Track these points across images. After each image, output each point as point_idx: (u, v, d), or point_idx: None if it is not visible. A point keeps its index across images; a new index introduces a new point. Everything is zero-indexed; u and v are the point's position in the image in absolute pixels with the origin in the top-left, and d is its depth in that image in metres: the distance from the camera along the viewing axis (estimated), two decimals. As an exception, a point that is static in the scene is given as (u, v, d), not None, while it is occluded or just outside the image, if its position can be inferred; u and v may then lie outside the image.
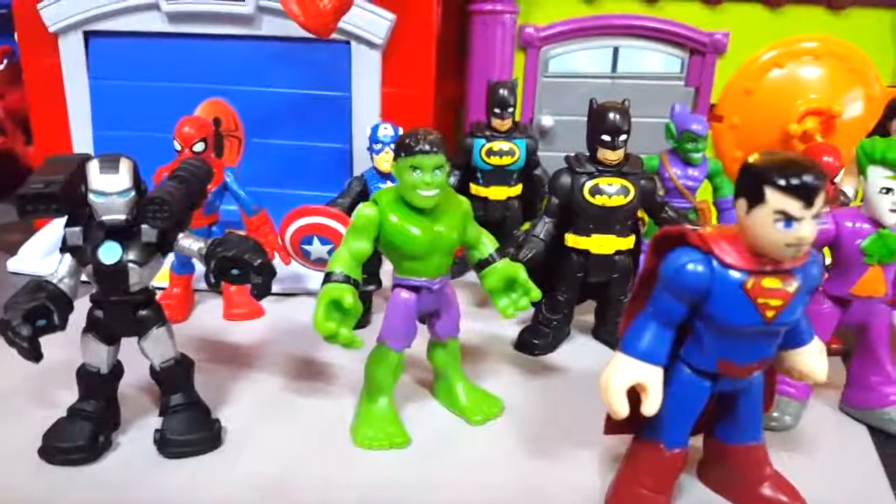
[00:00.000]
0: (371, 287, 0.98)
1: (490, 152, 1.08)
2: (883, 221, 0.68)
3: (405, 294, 0.70)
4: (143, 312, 0.67)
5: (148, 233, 0.64)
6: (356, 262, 0.68)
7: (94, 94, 1.24)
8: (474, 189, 1.12)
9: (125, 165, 0.63)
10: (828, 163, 0.87)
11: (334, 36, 1.14)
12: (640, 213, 1.13)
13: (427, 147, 0.65)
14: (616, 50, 1.26)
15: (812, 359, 0.59)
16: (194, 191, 0.68)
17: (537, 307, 0.94)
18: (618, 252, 0.86)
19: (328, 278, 0.67)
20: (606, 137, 0.81)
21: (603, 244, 0.85)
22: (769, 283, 0.51)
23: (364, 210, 0.68)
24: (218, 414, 0.74)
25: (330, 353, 0.86)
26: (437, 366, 0.77)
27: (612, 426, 0.62)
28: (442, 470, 0.67)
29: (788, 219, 0.48)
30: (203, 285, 1.05)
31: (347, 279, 0.66)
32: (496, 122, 1.08)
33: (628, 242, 0.86)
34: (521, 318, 0.96)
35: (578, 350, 0.92)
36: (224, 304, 0.99)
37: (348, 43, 1.16)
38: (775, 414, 0.75)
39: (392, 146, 0.94)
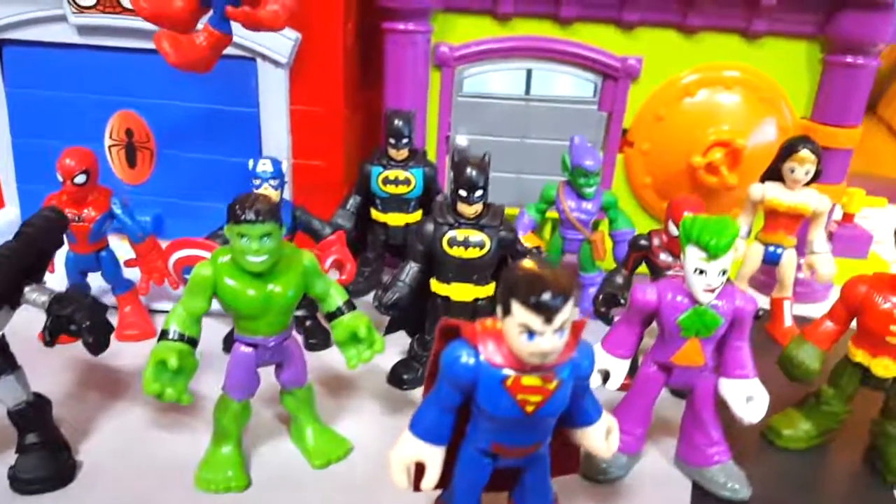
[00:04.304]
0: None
1: (386, 181, 1.10)
2: (698, 299, 0.70)
3: (244, 349, 0.74)
4: (-10, 360, 0.71)
5: (-12, 289, 0.67)
6: (192, 319, 0.71)
7: (11, 101, 1.25)
8: (374, 214, 1.14)
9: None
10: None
11: (239, 52, 1.15)
12: (539, 243, 1.17)
13: (252, 216, 0.67)
14: (529, 72, 1.26)
15: (597, 438, 0.62)
16: (40, 246, 0.71)
17: (410, 343, 0.97)
18: (477, 298, 0.89)
19: (163, 336, 0.70)
20: (463, 192, 0.83)
21: (462, 292, 0.88)
22: (528, 380, 0.55)
23: (200, 270, 0.71)
24: (78, 447, 0.79)
25: (205, 385, 0.89)
26: (288, 410, 0.81)
27: (419, 485, 0.66)
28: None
29: (531, 332, 0.51)
30: (103, 300, 1.10)
31: (182, 337, 0.70)
32: (392, 152, 1.09)
33: (487, 290, 0.88)
34: (401, 349, 1.00)
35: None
36: (118, 325, 1.03)
37: (254, 60, 1.17)
38: (603, 466, 0.79)
39: (271, 182, 0.96)
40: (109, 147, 1.26)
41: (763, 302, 1.20)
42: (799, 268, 1.14)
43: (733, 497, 0.77)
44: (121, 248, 1.04)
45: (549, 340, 0.51)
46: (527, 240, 1.15)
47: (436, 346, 0.60)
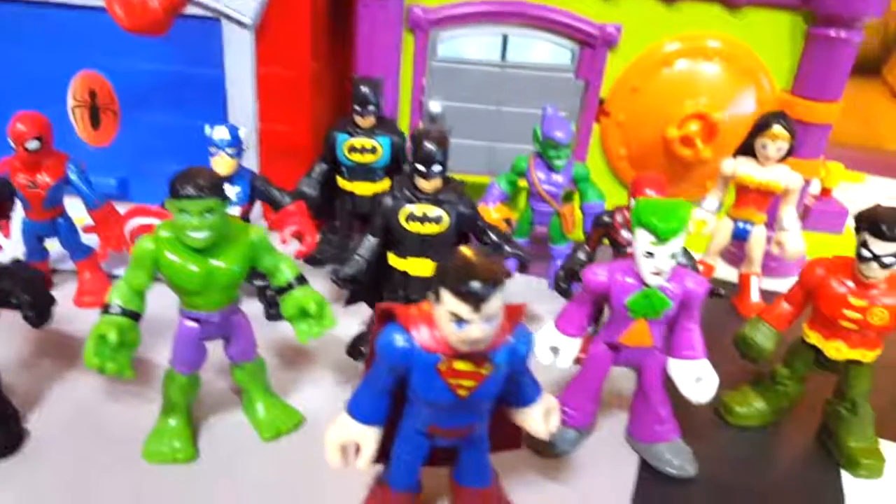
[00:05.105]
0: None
1: (352, 149, 1.08)
2: (646, 281, 0.70)
3: (188, 323, 0.73)
4: (-67, 332, 0.70)
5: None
6: (134, 293, 0.70)
7: (-31, 58, 1.21)
8: (341, 183, 1.12)
9: None
10: (649, 196, 0.87)
11: (203, 13, 1.11)
12: (509, 215, 1.15)
13: (192, 191, 0.65)
14: (505, 38, 1.22)
15: (535, 419, 0.63)
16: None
17: (370, 316, 0.97)
18: (435, 274, 0.88)
19: (105, 309, 0.69)
20: (420, 167, 0.81)
21: (419, 267, 0.87)
22: (461, 365, 0.54)
23: (143, 243, 0.69)
24: (29, 417, 0.79)
25: (159, 354, 0.89)
26: (238, 383, 0.81)
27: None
28: (211, 483, 0.73)
29: (460, 320, 0.50)
30: (63, 266, 1.09)
31: (124, 312, 0.69)
32: (358, 119, 1.06)
33: (445, 266, 0.87)
34: (362, 320, 1.00)
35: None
36: (77, 291, 1.02)
37: (218, 20, 1.12)
38: (551, 440, 0.79)
39: (227, 150, 0.94)
40: (73, 108, 1.23)
41: (733, 275, 1.20)
42: (769, 242, 1.14)
43: (679, 474, 0.78)
44: (81, 212, 1.03)
45: (479, 328, 0.50)
46: (497, 211, 1.14)
47: (374, 330, 0.60)
